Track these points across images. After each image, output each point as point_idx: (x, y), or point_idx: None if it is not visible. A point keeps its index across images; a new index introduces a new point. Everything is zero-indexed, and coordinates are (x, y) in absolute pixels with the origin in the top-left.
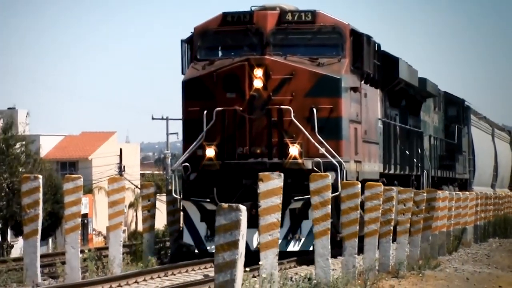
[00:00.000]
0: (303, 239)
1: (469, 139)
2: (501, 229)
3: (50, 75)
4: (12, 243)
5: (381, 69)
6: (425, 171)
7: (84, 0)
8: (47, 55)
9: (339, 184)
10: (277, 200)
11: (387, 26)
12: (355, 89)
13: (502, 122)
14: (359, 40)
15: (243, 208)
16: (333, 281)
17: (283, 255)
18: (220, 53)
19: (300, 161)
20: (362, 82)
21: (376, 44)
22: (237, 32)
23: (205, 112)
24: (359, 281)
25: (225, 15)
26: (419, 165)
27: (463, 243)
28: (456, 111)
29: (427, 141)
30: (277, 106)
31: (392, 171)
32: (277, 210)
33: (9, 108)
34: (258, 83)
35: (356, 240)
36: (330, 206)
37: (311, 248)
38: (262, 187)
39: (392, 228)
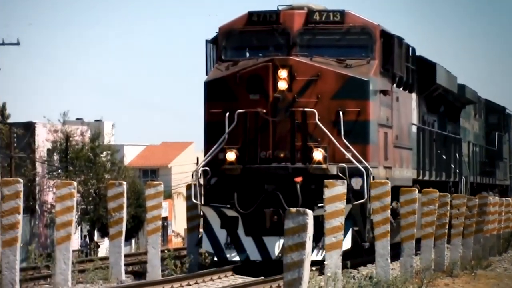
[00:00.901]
0: None
1: (510, 146)
2: None
3: (133, 90)
4: (98, 243)
5: (415, 73)
6: (463, 177)
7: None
8: (130, 73)
9: (365, 191)
10: (341, 205)
11: (424, 33)
12: (385, 92)
13: None
14: (390, 41)
15: (309, 212)
16: (393, 280)
17: None
18: (245, 54)
19: (324, 166)
20: (394, 85)
21: (410, 48)
22: (263, 32)
23: (227, 114)
24: (416, 280)
25: (250, 14)
26: (457, 171)
27: None
28: (497, 119)
29: (466, 148)
30: (301, 109)
31: (427, 178)
32: (340, 214)
33: (96, 120)
34: (282, 85)
35: (414, 242)
36: (389, 211)
37: None
38: (327, 193)
39: (446, 231)
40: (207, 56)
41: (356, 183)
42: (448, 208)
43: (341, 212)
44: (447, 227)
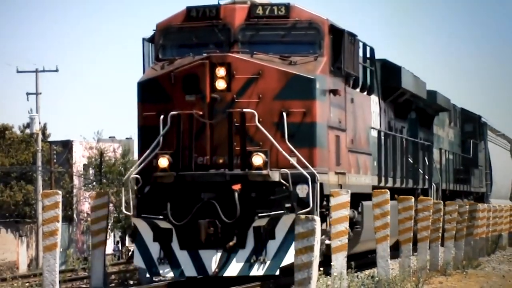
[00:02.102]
0: (268, 262)
1: (486, 154)
2: None
3: None
4: (129, 248)
5: (374, 74)
6: (433, 184)
7: None
8: None
9: (311, 199)
10: (345, 212)
11: (402, 43)
12: (335, 92)
13: None
14: (340, 37)
15: (317, 218)
16: (392, 278)
17: (246, 280)
18: (183, 52)
19: (264, 172)
20: (347, 86)
21: (369, 48)
22: (202, 28)
23: (162, 117)
24: (413, 278)
25: (189, 9)
26: (427, 178)
27: (500, 247)
28: (472, 127)
29: (439, 154)
30: (239, 110)
31: (389, 184)
32: (345, 220)
33: (126, 138)
34: (220, 84)
35: (411, 244)
36: (389, 217)
37: (277, 273)
38: (333, 201)
39: (440, 234)
40: (144, 55)
41: (302, 190)
42: (442, 214)
43: (345, 218)
44: (440, 231)
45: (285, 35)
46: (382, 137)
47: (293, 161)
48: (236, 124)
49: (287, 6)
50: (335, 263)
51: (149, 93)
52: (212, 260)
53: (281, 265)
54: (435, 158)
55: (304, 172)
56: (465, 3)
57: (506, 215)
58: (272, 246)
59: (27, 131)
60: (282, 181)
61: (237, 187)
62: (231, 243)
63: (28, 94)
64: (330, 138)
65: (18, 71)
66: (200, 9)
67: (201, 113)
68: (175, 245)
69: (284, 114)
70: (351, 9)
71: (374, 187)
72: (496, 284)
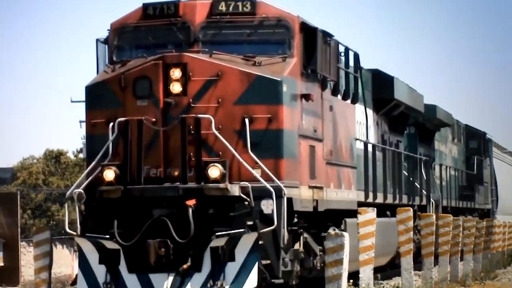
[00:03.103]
0: (227, 287)
1: (491, 171)
2: None
3: None
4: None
5: (358, 80)
6: (432, 201)
7: None
8: None
9: (275, 216)
10: (372, 228)
11: (404, 57)
12: (307, 97)
13: None
14: (313, 36)
15: (346, 234)
16: None
17: None
18: (140, 54)
19: (222, 185)
20: (325, 91)
21: (352, 52)
22: (160, 27)
23: (111, 124)
24: None
25: (145, 7)
26: (425, 194)
27: None
28: (477, 144)
29: (439, 170)
30: (194, 115)
31: (379, 200)
32: (372, 236)
33: None
34: (175, 88)
35: (432, 258)
36: (412, 232)
37: None
38: (361, 218)
39: (459, 248)
40: (98, 58)
41: (267, 206)
42: (461, 229)
43: (372, 234)
44: (460, 245)
45: (251, 33)
46: (370, 150)
47: (255, 173)
48: (192, 131)
49: (253, 2)
50: (363, 275)
51: (98, 98)
52: (164, 285)
53: None
54: (436, 174)
55: (268, 186)
56: (469, 14)
57: None
58: (232, 269)
59: (80, 155)
60: (243, 195)
61: (191, 202)
62: (185, 266)
63: (81, 122)
64: (302, 148)
65: (72, 101)
66: (157, 6)
67: (153, 119)
68: (123, 268)
69: (247, 120)
70: (350, 20)
71: (360, 203)
72: None
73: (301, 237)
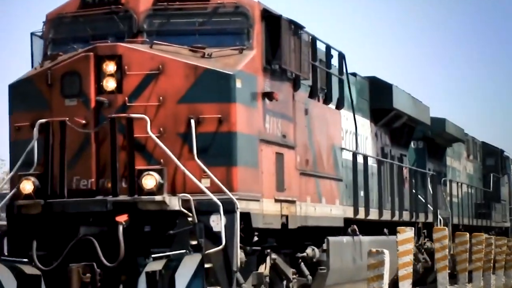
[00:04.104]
0: None
1: (510, 188)
2: None
3: None
4: None
5: (347, 84)
6: (440, 218)
7: None
8: None
9: (223, 234)
10: (410, 245)
11: (418, 73)
12: (270, 96)
13: None
14: (278, 25)
15: (386, 251)
16: None
17: None
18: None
19: (158, 198)
20: (297, 92)
21: (337, 52)
22: (100, 16)
23: (36, 127)
24: None
25: None
26: (431, 210)
27: None
28: (494, 161)
29: (453, 187)
30: (125, 115)
31: (373, 217)
32: (409, 253)
33: None
34: (109, 84)
35: (467, 273)
36: (447, 250)
37: None
38: (400, 237)
39: (492, 264)
40: (33, 55)
41: (217, 222)
42: (493, 247)
43: (410, 251)
44: (492, 262)
45: (204, 23)
46: (361, 162)
47: (198, 183)
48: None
49: None
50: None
51: (23, 98)
52: None
53: None
54: (447, 191)
55: (214, 198)
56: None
57: None
58: None
59: None
60: (184, 210)
61: (122, 218)
62: None
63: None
64: (266, 155)
65: None
66: None
67: (84, 121)
68: None
69: (192, 121)
70: (353, 29)
71: (348, 220)
72: None
73: (268, 258)
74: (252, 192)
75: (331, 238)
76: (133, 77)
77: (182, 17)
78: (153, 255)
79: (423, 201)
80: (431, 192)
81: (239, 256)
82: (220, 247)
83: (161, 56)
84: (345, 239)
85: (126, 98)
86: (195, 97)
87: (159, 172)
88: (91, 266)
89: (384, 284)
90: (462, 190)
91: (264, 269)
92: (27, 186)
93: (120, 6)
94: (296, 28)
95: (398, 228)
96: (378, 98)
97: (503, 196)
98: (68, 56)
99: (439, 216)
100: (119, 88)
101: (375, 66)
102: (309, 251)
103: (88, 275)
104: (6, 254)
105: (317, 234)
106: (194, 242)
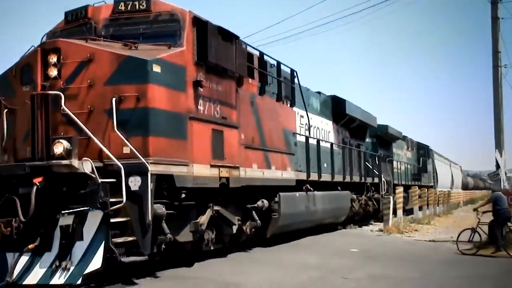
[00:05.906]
0: (72, 268)
1: (433, 166)
2: None
3: None
4: None
5: (298, 91)
6: (384, 180)
7: None
8: None
9: (124, 191)
10: (400, 194)
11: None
12: (199, 84)
13: (455, 159)
14: (205, 29)
15: (391, 196)
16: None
17: None
18: None
19: (65, 162)
20: (242, 88)
21: (289, 69)
22: (75, 29)
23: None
24: None
25: (66, 14)
26: (376, 174)
27: None
28: (424, 152)
29: (395, 164)
30: (42, 92)
31: (326, 179)
32: (401, 197)
33: None
34: (51, 72)
35: (402, 210)
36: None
37: (79, 282)
38: (397, 190)
39: (426, 203)
40: None
41: (134, 183)
42: (426, 194)
43: (400, 196)
44: (426, 202)
45: (147, 28)
46: (314, 142)
47: (104, 149)
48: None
49: (148, 0)
50: (398, 212)
51: (1, 90)
52: (9, 265)
53: (86, 272)
54: (392, 166)
55: (117, 162)
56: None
57: None
58: (79, 249)
59: None
60: (89, 173)
61: (37, 180)
62: (30, 246)
63: None
64: (198, 130)
65: None
66: (74, 12)
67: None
68: None
69: (114, 99)
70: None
71: (303, 181)
72: None
73: (208, 210)
74: (177, 158)
75: (282, 193)
76: (69, 65)
77: (130, 25)
78: (62, 211)
79: (374, 171)
80: (377, 164)
81: (151, 211)
82: (121, 204)
83: (92, 47)
84: (298, 194)
85: (63, 82)
86: (118, 80)
87: (68, 139)
88: (10, 221)
89: (390, 209)
90: (403, 166)
91: (206, 218)
92: None
93: (86, 20)
94: (227, 34)
95: (397, 187)
96: (336, 107)
97: (428, 170)
98: (29, 53)
99: (383, 179)
100: (59, 75)
101: (346, 88)
102: (259, 203)
103: (8, 228)
104: None
105: (274, 191)
106: (113, 200)
